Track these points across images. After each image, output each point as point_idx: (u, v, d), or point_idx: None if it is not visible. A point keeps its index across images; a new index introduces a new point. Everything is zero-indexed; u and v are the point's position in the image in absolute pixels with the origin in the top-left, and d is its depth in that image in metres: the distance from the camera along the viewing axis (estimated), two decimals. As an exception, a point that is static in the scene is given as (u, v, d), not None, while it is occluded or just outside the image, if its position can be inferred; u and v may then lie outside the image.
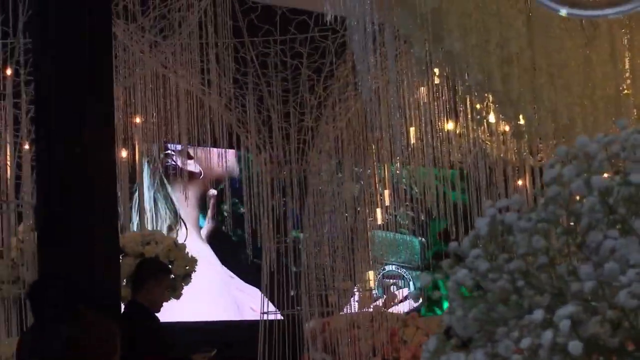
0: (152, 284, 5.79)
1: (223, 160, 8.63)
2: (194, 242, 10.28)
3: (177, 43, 7.03)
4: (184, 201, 9.82)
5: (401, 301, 9.19)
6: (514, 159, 5.95)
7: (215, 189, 10.39)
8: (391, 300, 6.94)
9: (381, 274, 9.46)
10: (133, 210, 9.01)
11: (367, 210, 7.04)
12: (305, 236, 7.01)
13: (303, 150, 7.07)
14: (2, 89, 6.91)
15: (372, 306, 6.49)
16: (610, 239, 1.07)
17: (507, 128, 5.70)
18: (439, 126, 7.47)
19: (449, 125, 7.57)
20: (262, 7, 7.03)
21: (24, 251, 6.81)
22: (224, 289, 10.69)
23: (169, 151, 10.23)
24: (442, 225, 10.76)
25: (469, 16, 4.09)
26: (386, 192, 7.39)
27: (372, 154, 7.06)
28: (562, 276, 1.10)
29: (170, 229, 10.20)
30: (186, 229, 10.50)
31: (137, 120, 8.20)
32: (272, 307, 7.16)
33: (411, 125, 7.05)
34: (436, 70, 5.35)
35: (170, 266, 6.79)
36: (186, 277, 7.31)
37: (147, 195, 9.75)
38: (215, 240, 10.88)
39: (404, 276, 10.65)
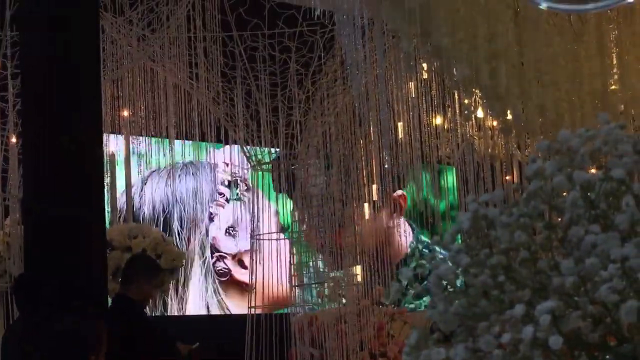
0: (143, 281, 5.78)
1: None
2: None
3: (165, 36, 7.02)
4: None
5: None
6: (501, 154, 5.96)
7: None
8: (379, 293, 6.94)
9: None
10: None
11: (355, 205, 7.04)
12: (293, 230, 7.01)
13: (291, 144, 7.06)
14: (-12, 82, 6.89)
15: (359, 300, 6.49)
16: (591, 234, 1.07)
17: (495, 123, 5.71)
18: (427, 121, 7.48)
19: (437, 120, 7.58)
20: (251, 1, 7.01)
21: (10, 245, 6.80)
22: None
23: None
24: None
25: (457, 11, 4.09)
26: (374, 187, 7.39)
27: (360, 149, 7.06)
28: (543, 271, 1.10)
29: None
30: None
31: (125, 113, 8.19)
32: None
33: (399, 120, 7.05)
34: (424, 65, 5.35)
35: (157, 260, 6.79)
36: (173, 271, 7.31)
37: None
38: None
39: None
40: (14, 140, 6.98)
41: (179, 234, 10.10)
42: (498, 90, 4.17)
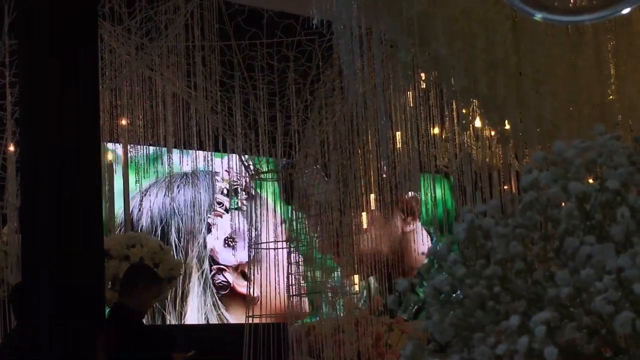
0: (141, 290, 5.77)
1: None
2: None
3: (164, 45, 7.03)
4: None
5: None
6: (499, 164, 5.96)
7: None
8: (377, 304, 6.94)
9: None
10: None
11: (353, 214, 7.03)
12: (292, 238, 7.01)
13: (289, 153, 7.06)
14: (-13, 90, 6.90)
15: (357, 310, 6.49)
16: (586, 245, 1.07)
17: (492, 133, 5.71)
18: (424, 131, 7.48)
19: (435, 130, 7.59)
20: (249, 11, 7.02)
21: (8, 253, 6.80)
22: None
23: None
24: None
25: (455, 21, 4.09)
26: (372, 196, 7.39)
27: (358, 158, 7.06)
28: (539, 282, 1.10)
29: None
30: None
31: (123, 122, 8.19)
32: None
33: (397, 130, 7.05)
34: (422, 75, 5.35)
35: (155, 269, 6.78)
36: (171, 280, 7.30)
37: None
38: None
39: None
40: (11, 148, 6.98)
41: (176, 247, 10.04)
42: (496, 100, 4.17)
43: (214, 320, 10.27)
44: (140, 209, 9.76)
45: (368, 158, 7.19)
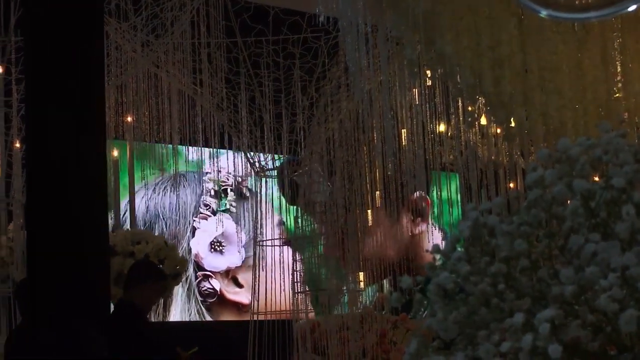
0: (146, 287, 5.77)
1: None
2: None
3: (170, 42, 7.03)
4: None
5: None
6: (505, 161, 5.94)
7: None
8: (382, 300, 6.93)
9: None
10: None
11: (358, 211, 7.02)
12: (297, 236, 7.01)
13: (295, 151, 7.06)
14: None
15: (361, 307, 6.48)
16: (591, 243, 1.07)
17: (498, 130, 5.70)
18: (430, 128, 7.47)
19: (441, 127, 7.57)
20: (255, 8, 7.01)
21: (13, 250, 6.81)
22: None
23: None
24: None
25: (460, 19, 4.08)
26: (377, 194, 7.38)
27: (364, 156, 7.06)
28: (543, 279, 1.10)
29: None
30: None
31: (129, 119, 8.20)
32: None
33: (403, 127, 7.04)
34: (428, 72, 5.34)
35: (160, 265, 6.79)
36: (176, 277, 7.31)
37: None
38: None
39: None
40: (17, 145, 6.99)
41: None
42: (502, 97, 4.16)
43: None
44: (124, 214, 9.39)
45: (373, 155, 7.18)
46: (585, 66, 4.51)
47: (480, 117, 5.37)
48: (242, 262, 10.05)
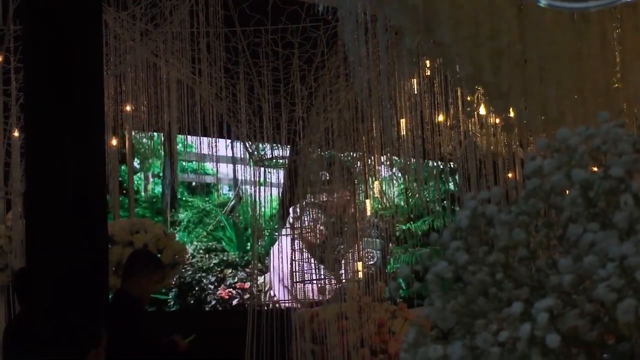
0: (144, 276, 5.76)
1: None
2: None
3: (168, 31, 7.01)
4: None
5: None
6: (504, 151, 5.94)
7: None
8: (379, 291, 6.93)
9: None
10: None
11: (356, 201, 7.02)
12: (294, 226, 7.01)
13: (294, 140, 7.06)
14: (-8, 75, 6.90)
15: (360, 297, 6.48)
16: (590, 233, 1.07)
17: (497, 120, 5.70)
18: (429, 118, 7.47)
19: (440, 117, 7.57)
20: (254, -3, 7.01)
21: (12, 239, 6.81)
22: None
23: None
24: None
25: (460, 8, 4.07)
26: (376, 184, 7.38)
27: (363, 145, 7.05)
28: (541, 269, 1.10)
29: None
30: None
31: (128, 108, 8.19)
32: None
33: (402, 117, 7.04)
34: (427, 62, 5.34)
35: (159, 255, 6.79)
36: (175, 266, 7.31)
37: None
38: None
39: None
40: (16, 134, 6.98)
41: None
42: (501, 87, 4.16)
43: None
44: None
45: (372, 145, 7.18)
46: (584, 56, 4.51)
47: (479, 107, 5.37)
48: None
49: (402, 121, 7.07)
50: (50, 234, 5.16)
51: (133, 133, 8.73)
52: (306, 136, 6.94)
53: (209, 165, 12.65)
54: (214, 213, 12.95)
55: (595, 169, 1.13)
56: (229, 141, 8.44)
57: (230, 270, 11.37)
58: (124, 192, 10.31)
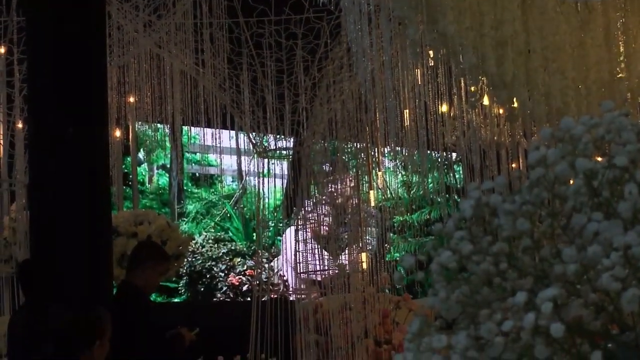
0: (148, 268, 5.76)
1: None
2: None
3: (172, 23, 7.01)
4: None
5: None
6: (507, 141, 5.94)
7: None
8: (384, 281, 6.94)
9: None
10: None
11: (360, 192, 7.03)
12: (298, 217, 7.01)
13: (297, 131, 7.06)
14: (-5, 67, 6.90)
15: (364, 288, 6.49)
16: (594, 222, 1.07)
17: (501, 111, 5.69)
18: (433, 108, 7.46)
19: (443, 108, 7.57)
20: (257, -12, 6.99)
21: (16, 230, 6.82)
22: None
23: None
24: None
25: (463, -2, 4.07)
26: (379, 174, 7.38)
27: (366, 136, 7.05)
28: (545, 259, 1.10)
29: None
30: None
31: (131, 99, 8.19)
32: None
33: (405, 108, 7.04)
34: (431, 53, 5.32)
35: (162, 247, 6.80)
36: (179, 257, 7.32)
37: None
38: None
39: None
40: (20, 125, 6.99)
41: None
42: (504, 77, 4.15)
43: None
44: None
45: (376, 136, 7.18)
46: (588, 46, 4.50)
47: (483, 98, 5.36)
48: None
49: (406, 112, 7.07)
50: (54, 226, 5.16)
51: (137, 124, 8.73)
52: (310, 127, 6.94)
53: (212, 157, 12.68)
54: (221, 204, 13.05)
55: (600, 158, 1.13)
56: (232, 132, 8.45)
57: (239, 259, 11.57)
58: (129, 183, 10.34)
